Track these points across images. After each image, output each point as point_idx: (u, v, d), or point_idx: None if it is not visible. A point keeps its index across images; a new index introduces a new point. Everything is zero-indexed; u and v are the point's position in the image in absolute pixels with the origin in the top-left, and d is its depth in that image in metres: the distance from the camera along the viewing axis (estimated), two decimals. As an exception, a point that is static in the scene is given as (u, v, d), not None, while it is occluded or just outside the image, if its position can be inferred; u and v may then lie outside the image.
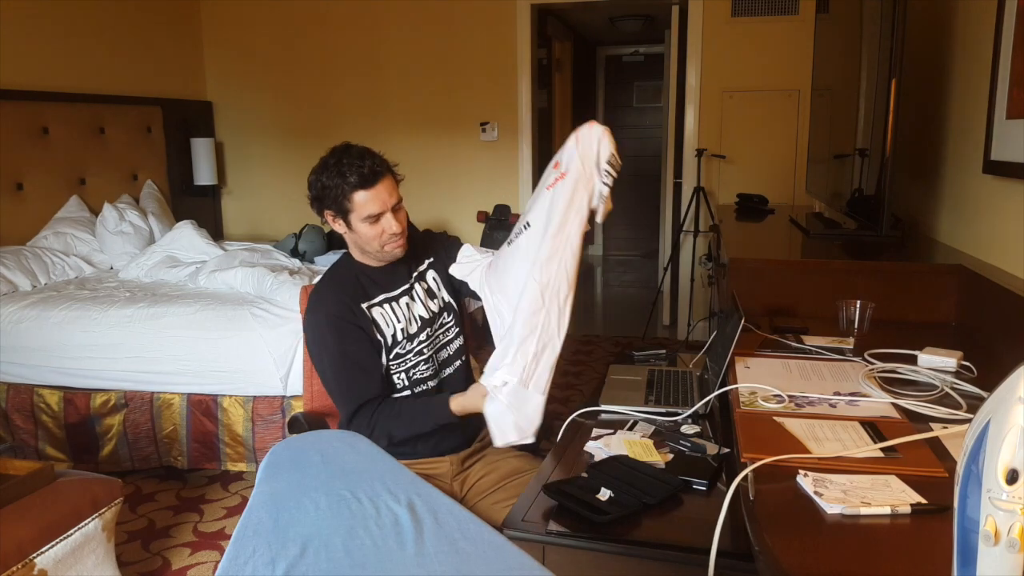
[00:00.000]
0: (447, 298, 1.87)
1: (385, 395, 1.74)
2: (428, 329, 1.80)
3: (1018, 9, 1.73)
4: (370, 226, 1.67)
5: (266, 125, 5.08)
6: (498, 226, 4.71)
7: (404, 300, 1.78)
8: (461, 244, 1.91)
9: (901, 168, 2.37)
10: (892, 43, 1.96)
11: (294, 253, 3.89)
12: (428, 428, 1.71)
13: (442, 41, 4.75)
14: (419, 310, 1.79)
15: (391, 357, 1.75)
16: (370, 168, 1.63)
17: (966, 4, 2.19)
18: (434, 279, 1.86)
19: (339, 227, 1.72)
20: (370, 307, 1.74)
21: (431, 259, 1.87)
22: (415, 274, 1.83)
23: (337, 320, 1.70)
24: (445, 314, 1.85)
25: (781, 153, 4.47)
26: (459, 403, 1.66)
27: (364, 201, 1.64)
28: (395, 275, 1.80)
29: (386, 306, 1.76)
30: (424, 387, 1.78)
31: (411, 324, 1.77)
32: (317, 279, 3.12)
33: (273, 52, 4.96)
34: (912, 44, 2.16)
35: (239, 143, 5.14)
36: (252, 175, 5.17)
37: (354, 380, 1.71)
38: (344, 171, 1.63)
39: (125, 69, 4.33)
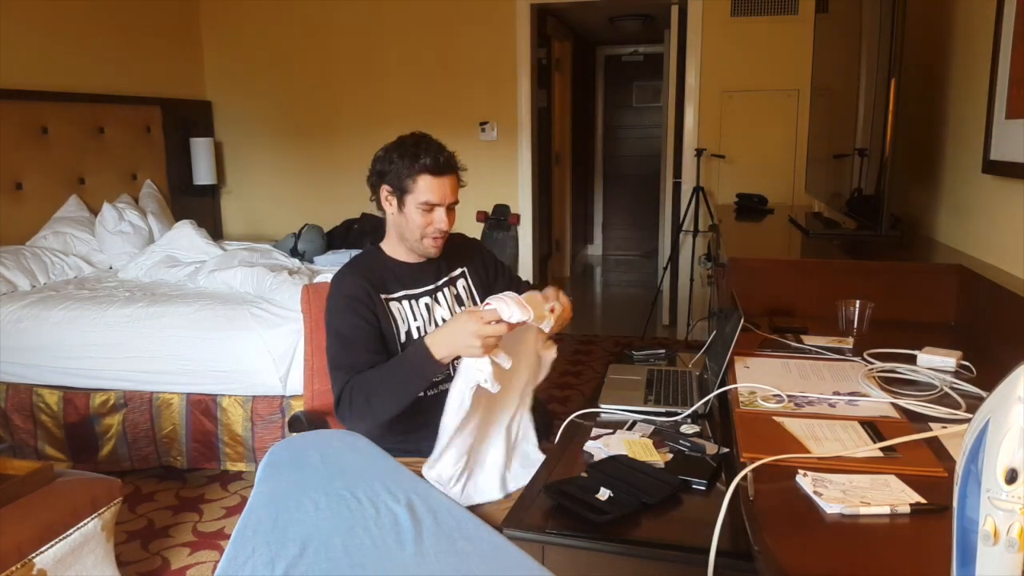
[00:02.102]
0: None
1: None
2: None
3: (1018, 9, 1.73)
4: (422, 214, 1.70)
5: (265, 125, 5.07)
6: (497, 226, 4.71)
7: (424, 301, 1.78)
8: (498, 261, 1.93)
9: (901, 168, 2.37)
10: (892, 43, 1.95)
11: (293, 253, 3.89)
12: (411, 382, 1.57)
13: (442, 41, 4.75)
14: (443, 314, 1.79)
15: None
16: (446, 160, 1.71)
17: (966, 4, 2.19)
18: (465, 288, 1.86)
19: (390, 206, 1.74)
20: (388, 300, 1.73)
21: (464, 268, 1.87)
22: (444, 279, 1.83)
23: (353, 301, 1.69)
24: None
25: (780, 153, 4.47)
26: (434, 340, 1.52)
27: (427, 187, 1.68)
28: (421, 274, 1.79)
29: (404, 303, 1.75)
30: (436, 390, 1.75)
31: (430, 326, 1.75)
32: (317, 279, 3.14)
33: (273, 52, 4.96)
34: (912, 44, 2.16)
35: (238, 143, 5.14)
36: (251, 175, 5.17)
37: (350, 353, 1.65)
38: (420, 153, 1.69)
39: (125, 69, 4.33)
